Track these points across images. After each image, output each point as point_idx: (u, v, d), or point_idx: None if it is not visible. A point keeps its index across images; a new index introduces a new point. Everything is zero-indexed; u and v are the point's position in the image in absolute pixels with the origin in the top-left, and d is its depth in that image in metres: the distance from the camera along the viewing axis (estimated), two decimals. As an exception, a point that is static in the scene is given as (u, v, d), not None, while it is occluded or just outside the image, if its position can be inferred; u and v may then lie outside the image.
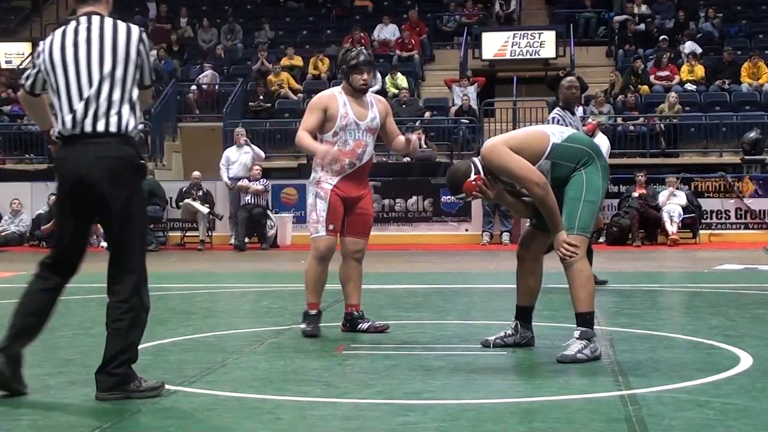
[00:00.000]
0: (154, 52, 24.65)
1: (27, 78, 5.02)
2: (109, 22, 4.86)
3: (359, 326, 7.18)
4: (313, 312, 7.10)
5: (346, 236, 7.18)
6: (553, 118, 10.32)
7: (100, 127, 4.73)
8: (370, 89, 7.42)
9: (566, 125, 10.07)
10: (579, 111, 11.10)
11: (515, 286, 6.45)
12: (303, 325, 7.08)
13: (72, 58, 4.78)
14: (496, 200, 6.29)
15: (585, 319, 5.95)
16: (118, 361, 4.80)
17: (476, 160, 6.11)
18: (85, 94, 4.74)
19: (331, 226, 7.06)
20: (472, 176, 6.03)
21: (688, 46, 23.32)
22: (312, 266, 7.11)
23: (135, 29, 4.87)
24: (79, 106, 4.74)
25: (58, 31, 4.88)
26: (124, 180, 4.76)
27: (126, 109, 4.76)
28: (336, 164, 7.06)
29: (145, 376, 5.44)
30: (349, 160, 7.08)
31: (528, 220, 6.44)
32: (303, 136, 7.09)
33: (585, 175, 6.03)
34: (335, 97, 7.15)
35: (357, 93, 7.14)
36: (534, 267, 6.37)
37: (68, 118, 4.76)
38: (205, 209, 17.93)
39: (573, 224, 5.96)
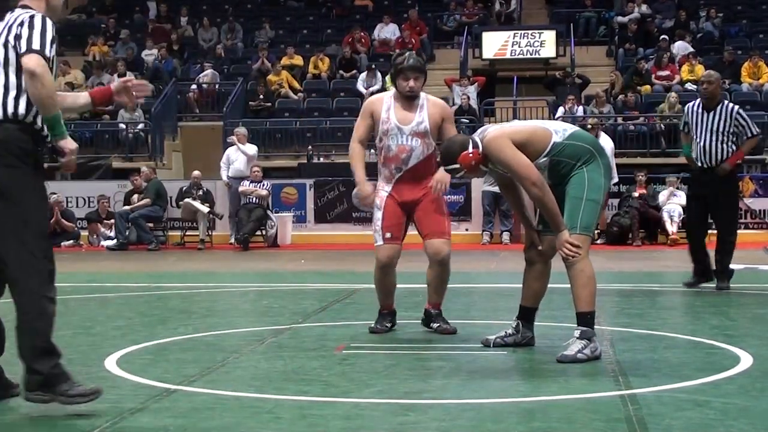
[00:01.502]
0: (142, 46, 24.69)
1: None
2: (19, 12, 4.78)
3: (431, 324, 7.16)
4: (385, 311, 7.20)
5: (425, 240, 7.08)
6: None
7: None
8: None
9: (683, 122, 10.03)
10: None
11: (519, 285, 6.43)
12: (372, 324, 7.16)
13: None
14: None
15: (585, 319, 5.94)
16: (36, 358, 4.65)
17: (476, 137, 6.08)
18: None
19: (388, 234, 6.99)
20: (470, 149, 6.02)
21: (678, 46, 23.31)
22: (376, 273, 7.11)
23: (22, 14, 4.74)
24: None
25: None
26: None
27: None
28: (385, 170, 7.03)
29: (145, 376, 5.44)
30: (395, 166, 6.99)
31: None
32: (354, 155, 7.05)
33: (587, 173, 6.01)
34: (382, 100, 7.08)
35: (405, 98, 7.03)
36: (543, 270, 6.34)
37: None
38: (205, 208, 17.92)
39: (575, 224, 5.94)
